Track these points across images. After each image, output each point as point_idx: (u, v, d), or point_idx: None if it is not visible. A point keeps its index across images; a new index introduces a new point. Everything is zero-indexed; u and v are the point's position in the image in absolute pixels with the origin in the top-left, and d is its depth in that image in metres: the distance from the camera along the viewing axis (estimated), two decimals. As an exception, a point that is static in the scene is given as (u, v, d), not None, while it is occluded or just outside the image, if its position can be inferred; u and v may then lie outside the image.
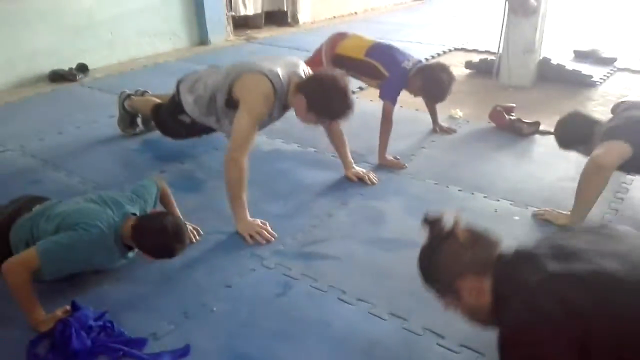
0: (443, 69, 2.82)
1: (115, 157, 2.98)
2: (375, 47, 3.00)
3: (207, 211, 2.37)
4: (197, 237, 2.18)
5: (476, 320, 1.31)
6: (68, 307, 1.73)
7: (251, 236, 2.17)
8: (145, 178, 2.13)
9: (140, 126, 3.24)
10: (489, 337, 1.63)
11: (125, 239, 1.85)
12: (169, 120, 2.76)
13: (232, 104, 2.33)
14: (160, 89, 3.27)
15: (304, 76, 2.37)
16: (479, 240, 1.27)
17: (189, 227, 2.20)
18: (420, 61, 2.95)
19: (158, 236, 1.78)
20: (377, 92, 2.95)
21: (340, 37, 3.18)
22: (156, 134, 3.20)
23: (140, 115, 3.20)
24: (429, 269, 1.32)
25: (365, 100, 3.58)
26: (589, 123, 2.35)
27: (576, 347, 1.03)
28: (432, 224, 1.31)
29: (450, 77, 2.81)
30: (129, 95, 3.14)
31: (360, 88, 3.85)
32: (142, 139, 3.20)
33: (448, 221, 1.29)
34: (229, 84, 2.34)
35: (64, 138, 3.22)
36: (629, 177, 2.64)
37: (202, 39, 5.76)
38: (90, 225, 1.76)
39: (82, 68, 4.50)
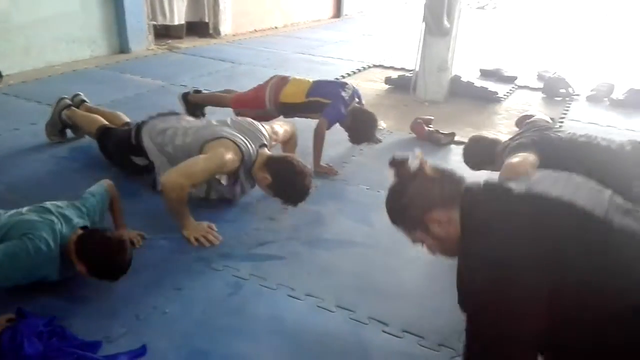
0: (374, 123, 3.16)
1: (43, 165, 2.87)
2: (313, 86, 3.26)
3: (147, 217, 2.37)
4: (141, 242, 2.19)
5: (444, 251, 1.37)
6: (12, 315, 1.69)
7: (196, 239, 2.22)
8: (96, 183, 2.10)
9: (70, 134, 3.15)
10: (428, 322, 1.82)
11: (70, 254, 1.81)
12: (118, 155, 2.71)
13: None
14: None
15: (268, 150, 2.51)
16: (445, 175, 1.35)
17: (132, 232, 2.20)
18: (356, 92, 3.26)
19: (100, 250, 1.77)
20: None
21: (282, 82, 3.34)
22: (84, 141, 3.14)
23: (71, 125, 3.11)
24: (398, 206, 1.37)
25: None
26: (490, 144, 2.71)
27: (546, 290, 1.08)
28: (399, 165, 1.37)
29: (375, 131, 3.22)
30: (69, 106, 3.05)
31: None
32: (70, 146, 3.11)
33: (413, 162, 1.35)
34: (200, 146, 2.38)
35: (-16, 147, 3.06)
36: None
37: (123, 47, 5.64)
38: (36, 237, 1.72)
39: (-5, 74, 4.26)
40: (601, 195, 1.26)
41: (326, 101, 3.12)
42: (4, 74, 4.29)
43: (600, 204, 1.20)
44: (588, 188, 1.29)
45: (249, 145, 2.42)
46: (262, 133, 2.55)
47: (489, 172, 2.69)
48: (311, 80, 3.35)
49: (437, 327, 1.80)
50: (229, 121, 2.57)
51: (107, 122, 2.87)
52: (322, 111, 3.11)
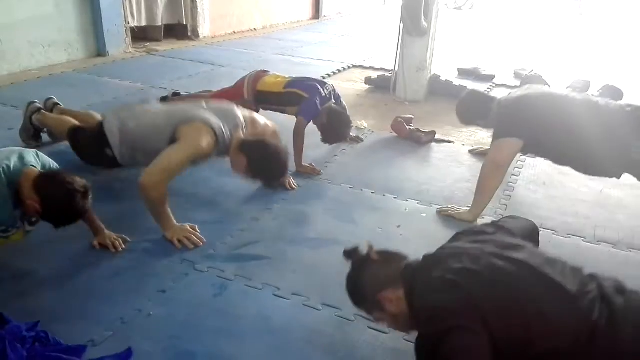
0: (348, 123, 3.16)
1: (21, 170, 2.82)
2: (293, 80, 3.28)
3: (130, 220, 2.35)
4: (123, 246, 2.17)
5: (402, 327, 1.49)
6: (-6, 322, 1.67)
7: (179, 241, 2.21)
8: None
9: (46, 138, 3.11)
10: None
11: (23, 187, 1.76)
12: (90, 151, 2.65)
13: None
14: (59, 101, 3.19)
15: (243, 132, 2.48)
16: (388, 258, 1.50)
17: (113, 236, 2.18)
18: (334, 91, 3.27)
19: (64, 191, 1.75)
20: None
21: (262, 74, 3.39)
22: (63, 145, 3.09)
23: (46, 130, 3.07)
24: (355, 292, 1.52)
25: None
26: (486, 100, 2.74)
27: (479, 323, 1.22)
28: (350, 254, 1.53)
29: (349, 131, 3.24)
30: (39, 110, 3.00)
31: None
32: (49, 150, 3.04)
33: (362, 249, 1.51)
34: (172, 129, 2.34)
35: (-42, 151, 3.00)
36: (514, 176, 3.03)
37: (100, 51, 5.57)
38: None
39: (-32, 78, 4.19)
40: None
41: (304, 94, 3.12)
42: (-22, 78, 4.24)
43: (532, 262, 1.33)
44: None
45: (223, 128, 2.38)
46: (237, 116, 2.52)
47: (480, 127, 2.71)
48: (290, 76, 3.37)
49: (422, 322, 1.81)
50: (203, 104, 2.53)
51: (78, 123, 2.83)
52: (298, 104, 3.11)
